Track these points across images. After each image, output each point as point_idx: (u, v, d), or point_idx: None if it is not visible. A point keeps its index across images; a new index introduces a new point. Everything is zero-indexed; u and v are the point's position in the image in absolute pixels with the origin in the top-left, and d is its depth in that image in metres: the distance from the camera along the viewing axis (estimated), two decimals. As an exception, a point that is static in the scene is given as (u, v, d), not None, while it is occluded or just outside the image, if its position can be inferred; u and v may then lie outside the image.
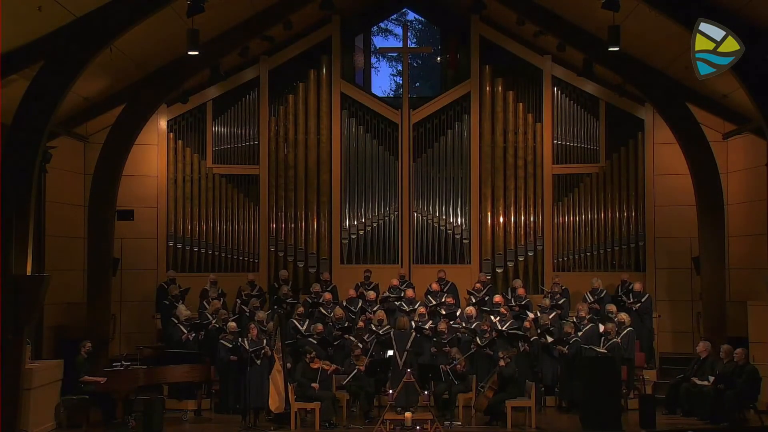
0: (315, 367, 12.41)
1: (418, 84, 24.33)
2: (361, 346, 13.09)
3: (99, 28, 11.28)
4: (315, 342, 13.37)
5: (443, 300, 14.76)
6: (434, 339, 13.51)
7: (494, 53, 16.55)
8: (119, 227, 15.08)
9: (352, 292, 15.12)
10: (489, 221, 16.37)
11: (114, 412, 12.38)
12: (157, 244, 16.11)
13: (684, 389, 12.76)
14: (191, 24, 12.08)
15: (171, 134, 16.31)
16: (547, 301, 14.55)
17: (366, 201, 16.47)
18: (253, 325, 12.81)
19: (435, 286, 15.16)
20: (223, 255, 16.30)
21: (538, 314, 14.15)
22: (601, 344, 13.24)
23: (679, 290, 15.79)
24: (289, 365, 12.49)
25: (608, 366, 12.21)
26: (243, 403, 12.37)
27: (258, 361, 12.40)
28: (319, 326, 13.65)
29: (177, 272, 15.69)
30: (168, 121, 16.28)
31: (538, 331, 13.74)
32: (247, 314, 14.27)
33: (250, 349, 12.39)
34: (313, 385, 12.21)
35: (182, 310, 14.15)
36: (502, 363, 12.28)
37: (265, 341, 12.57)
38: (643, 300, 14.70)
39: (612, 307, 14.09)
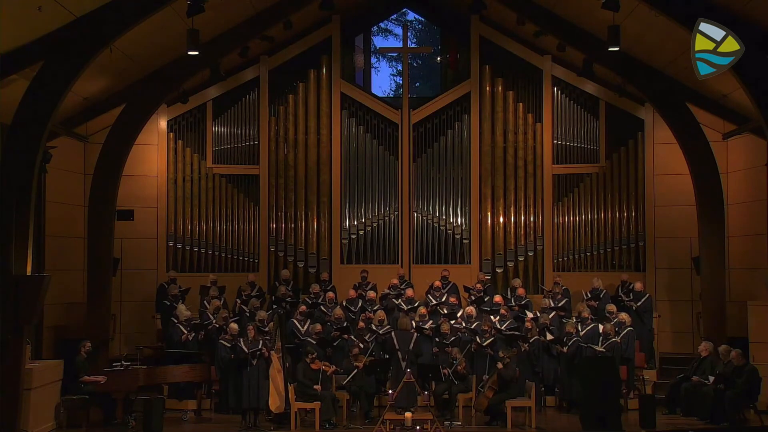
0: (315, 368, 12.41)
1: (418, 84, 24.34)
2: (362, 345, 13.05)
3: (99, 28, 11.27)
4: (314, 342, 13.36)
5: (444, 299, 14.75)
6: (436, 339, 13.51)
7: (494, 53, 16.56)
8: (119, 227, 15.06)
9: (352, 293, 15.10)
10: (489, 221, 16.37)
11: (114, 412, 12.38)
12: (157, 244, 16.12)
13: (684, 389, 12.76)
14: (191, 24, 12.08)
15: (171, 134, 16.32)
16: (548, 301, 14.54)
17: (366, 201, 16.47)
18: (251, 326, 12.80)
19: (437, 285, 15.11)
20: (223, 255, 16.30)
21: (538, 314, 14.15)
22: (600, 344, 13.23)
23: (679, 290, 15.79)
24: (287, 364, 12.47)
25: (608, 366, 12.21)
26: (240, 403, 12.36)
27: (254, 362, 12.39)
28: (318, 326, 13.64)
29: (177, 272, 15.70)
30: (168, 121, 16.29)
31: (538, 330, 13.74)
32: (247, 314, 14.26)
33: (248, 350, 12.38)
34: (315, 387, 12.20)
35: (182, 310, 14.14)
36: (500, 366, 12.25)
37: (261, 342, 12.54)
38: (643, 300, 14.70)
39: (612, 307, 14.06)
